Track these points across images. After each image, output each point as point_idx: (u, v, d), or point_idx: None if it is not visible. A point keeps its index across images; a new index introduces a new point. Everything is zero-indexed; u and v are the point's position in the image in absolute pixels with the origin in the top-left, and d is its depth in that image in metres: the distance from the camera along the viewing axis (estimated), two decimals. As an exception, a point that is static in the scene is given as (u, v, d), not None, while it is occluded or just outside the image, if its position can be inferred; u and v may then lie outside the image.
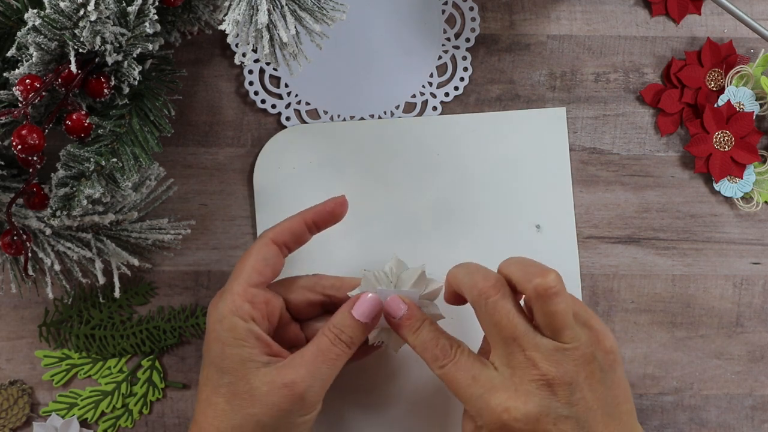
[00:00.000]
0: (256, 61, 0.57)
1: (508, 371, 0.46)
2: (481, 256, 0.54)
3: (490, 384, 0.46)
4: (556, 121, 0.57)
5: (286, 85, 0.57)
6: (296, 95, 0.57)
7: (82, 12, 0.45)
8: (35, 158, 0.46)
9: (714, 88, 0.57)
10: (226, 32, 0.46)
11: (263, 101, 0.57)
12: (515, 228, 0.57)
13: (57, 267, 0.51)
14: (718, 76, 0.57)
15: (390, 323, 0.51)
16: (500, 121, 0.57)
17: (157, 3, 0.48)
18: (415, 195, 0.57)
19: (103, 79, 0.48)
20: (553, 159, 0.57)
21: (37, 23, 0.45)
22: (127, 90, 0.49)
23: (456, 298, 0.51)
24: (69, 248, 0.51)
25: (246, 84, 0.57)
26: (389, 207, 0.57)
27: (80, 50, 0.46)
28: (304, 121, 0.57)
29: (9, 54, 0.47)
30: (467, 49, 0.58)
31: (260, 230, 0.56)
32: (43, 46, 0.46)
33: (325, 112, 0.57)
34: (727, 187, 0.57)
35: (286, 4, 0.46)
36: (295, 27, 0.46)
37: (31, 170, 0.47)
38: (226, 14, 0.47)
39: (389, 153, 0.57)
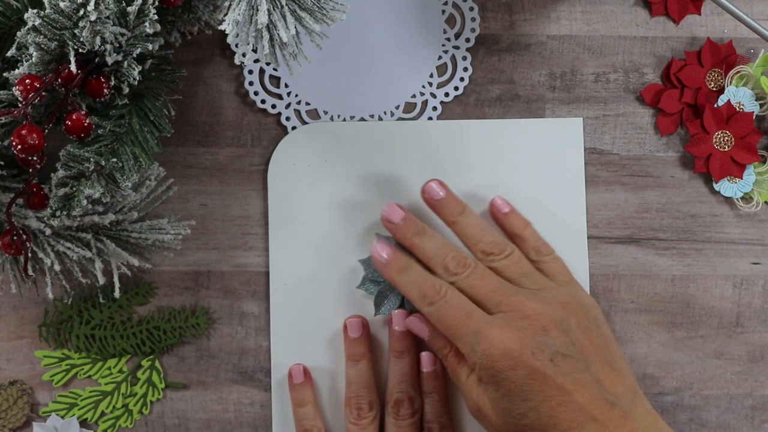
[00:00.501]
0: (256, 61, 0.57)
1: (500, 315, 0.47)
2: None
3: (485, 320, 0.46)
4: (573, 131, 0.57)
5: (286, 85, 0.57)
6: (296, 95, 0.57)
7: (82, 12, 0.45)
8: (35, 158, 0.46)
9: (714, 88, 0.57)
10: (226, 32, 0.46)
11: (263, 101, 0.57)
12: None
13: (57, 267, 0.51)
14: (718, 76, 0.57)
15: (377, 266, 0.52)
16: (516, 129, 0.57)
17: (157, 3, 0.48)
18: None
19: (103, 79, 0.48)
20: (567, 169, 0.57)
21: (37, 23, 0.45)
22: (127, 90, 0.49)
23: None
24: (69, 248, 0.51)
25: (246, 84, 0.57)
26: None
27: (80, 50, 0.46)
28: (304, 122, 0.57)
29: (9, 54, 0.47)
30: (467, 49, 0.58)
31: (273, 224, 0.56)
32: (43, 46, 0.46)
33: (325, 112, 0.57)
34: (727, 187, 0.57)
35: (286, 4, 0.46)
36: (295, 27, 0.46)
37: (31, 170, 0.47)
38: (226, 14, 0.47)
39: (405, 155, 0.57)
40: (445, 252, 0.51)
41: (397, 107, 0.57)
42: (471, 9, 0.57)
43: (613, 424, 0.44)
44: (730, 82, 0.57)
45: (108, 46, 0.46)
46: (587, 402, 0.44)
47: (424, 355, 0.54)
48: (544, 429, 0.45)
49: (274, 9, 0.46)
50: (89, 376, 0.57)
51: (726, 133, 0.57)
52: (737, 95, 0.57)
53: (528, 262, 0.51)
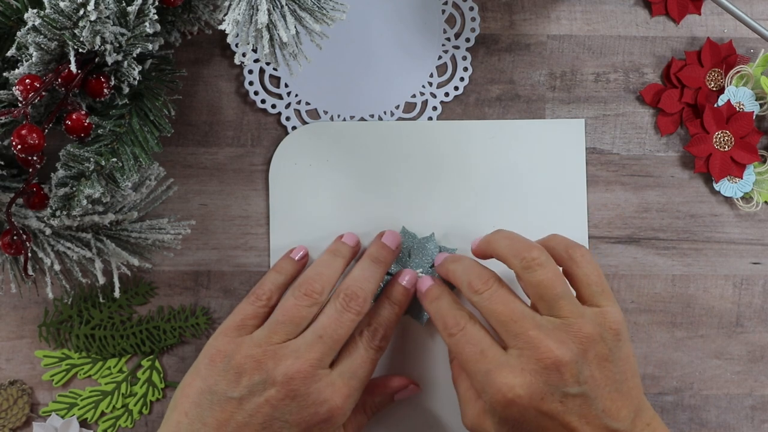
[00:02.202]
0: (256, 61, 0.57)
1: (516, 352, 0.46)
2: (490, 261, 0.55)
3: (497, 361, 0.46)
4: (574, 132, 0.57)
5: (286, 85, 0.57)
6: (296, 95, 0.57)
7: (82, 12, 0.45)
8: (35, 158, 0.46)
9: (714, 88, 0.57)
10: (226, 32, 0.46)
11: (263, 101, 0.57)
12: (526, 236, 0.56)
13: (57, 267, 0.51)
14: (718, 76, 0.57)
15: (418, 296, 0.54)
16: (518, 129, 0.57)
17: (157, 3, 0.48)
18: (428, 199, 0.57)
19: (103, 79, 0.48)
20: (569, 170, 0.57)
21: (37, 23, 0.45)
22: (127, 90, 0.49)
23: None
24: (69, 248, 0.51)
25: (246, 84, 0.57)
26: (402, 209, 0.57)
27: (80, 50, 0.46)
28: (304, 122, 0.57)
29: (9, 54, 0.47)
30: (467, 49, 0.58)
31: (273, 224, 0.56)
32: (43, 46, 0.46)
33: (325, 112, 0.57)
34: (727, 187, 0.57)
35: (286, 4, 0.46)
36: (295, 27, 0.46)
37: (31, 170, 0.47)
38: (226, 14, 0.47)
39: (405, 155, 0.57)
40: (471, 270, 0.50)
41: (397, 107, 0.57)
42: (471, 9, 0.57)
43: None
44: (730, 82, 0.57)
45: (108, 46, 0.46)
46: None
47: (408, 271, 0.55)
48: None
49: (274, 9, 0.46)
50: (89, 376, 0.57)
51: (726, 133, 0.57)
52: (737, 95, 0.57)
53: (563, 281, 0.48)
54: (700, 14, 0.58)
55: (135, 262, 0.53)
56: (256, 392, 0.47)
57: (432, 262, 0.55)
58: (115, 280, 0.53)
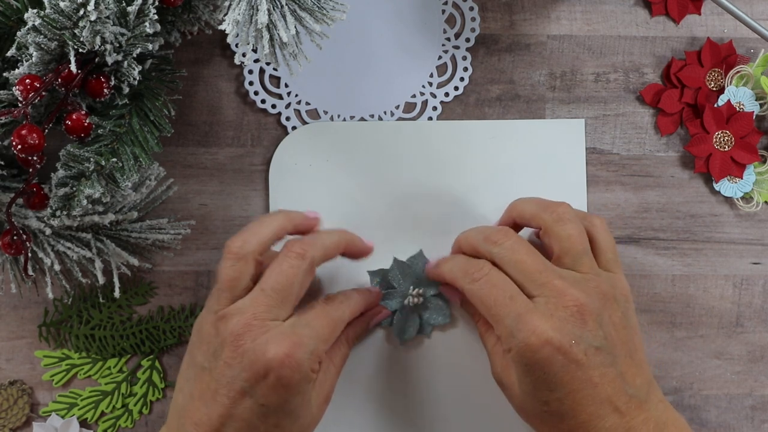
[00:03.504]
0: (256, 61, 0.57)
1: (542, 300, 0.46)
2: None
3: (527, 306, 0.46)
4: (574, 132, 0.57)
5: (286, 85, 0.57)
6: (296, 95, 0.57)
7: (82, 12, 0.45)
8: (35, 158, 0.46)
9: (714, 88, 0.57)
10: (226, 32, 0.46)
11: (263, 101, 0.57)
12: (526, 236, 0.56)
13: (57, 267, 0.51)
14: (718, 76, 0.57)
15: (429, 275, 0.54)
16: (518, 129, 0.57)
17: (157, 3, 0.48)
18: (427, 199, 0.57)
19: (103, 79, 0.48)
20: (569, 170, 0.57)
21: (37, 23, 0.45)
22: (127, 90, 0.49)
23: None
24: (69, 248, 0.51)
25: (246, 84, 0.57)
26: (401, 209, 0.57)
27: (80, 50, 0.46)
28: (304, 122, 0.57)
29: (9, 54, 0.47)
30: (467, 49, 0.58)
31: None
32: (43, 46, 0.46)
33: (325, 112, 0.57)
34: (727, 187, 0.57)
35: (286, 4, 0.46)
36: (295, 27, 0.46)
37: (31, 170, 0.47)
38: (226, 14, 0.47)
39: (405, 155, 0.57)
40: (483, 230, 0.51)
41: (397, 107, 0.57)
42: (471, 9, 0.57)
43: (630, 414, 0.45)
44: (730, 82, 0.57)
45: (108, 46, 0.46)
46: (611, 394, 0.45)
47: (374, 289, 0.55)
48: (563, 417, 0.45)
49: (274, 9, 0.46)
50: (89, 376, 0.57)
51: (726, 132, 0.57)
52: (737, 95, 0.57)
53: (587, 240, 0.49)
54: (700, 14, 0.58)
55: (135, 262, 0.53)
56: (217, 357, 0.46)
57: (436, 291, 0.55)
58: (115, 280, 0.53)
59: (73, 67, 0.46)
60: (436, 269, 0.53)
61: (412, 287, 0.55)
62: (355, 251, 0.53)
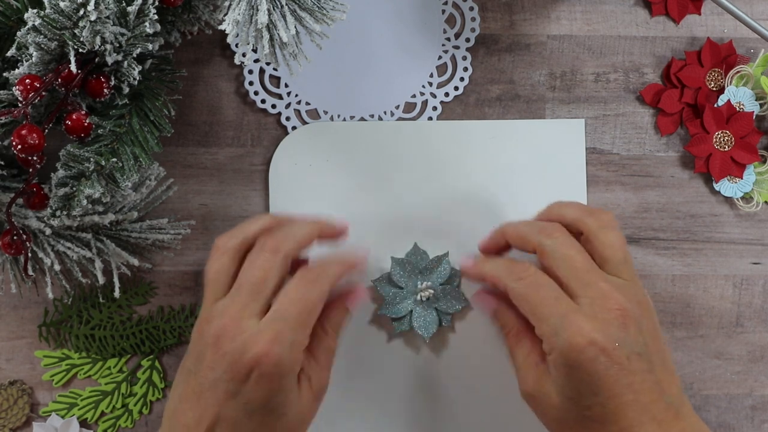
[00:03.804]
0: (256, 61, 0.57)
1: (587, 301, 0.46)
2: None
3: (572, 307, 0.46)
4: (575, 132, 0.57)
5: (286, 85, 0.57)
6: (296, 95, 0.57)
7: (82, 12, 0.45)
8: (35, 158, 0.46)
9: (714, 88, 0.57)
10: (226, 32, 0.46)
11: (263, 101, 0.57)
12: None
13: (57, 267, 0.51)
14: (718, 76, 0.57)
15: (465, 273, 0.54)
16: (518, 129, 0.57)
17: (157, 3, 0.48)
18: (428, 199, 0.57)
19: (103, 79, 0.48)
20: (569, 169, 0.57)
21: (37, 23, 0.45)
22: (127, 90, 0.49)
23: (500, 247, 0.52)
24: (69, 248, 0.51)
25: (246, 84, 0.57)
26: (402, 209, 0.57)
27: (80, 50, 0.46)
28: (304, 122, 0.57)
29: (9, 54, 0.47)
30: (467, 49, 0.58)
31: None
32: (43, 46, 0.46)
33: (325, 112, 0.57)
34: (727, 187, 0.57)
35: (286, 4, 0.46)
36: (295, 27, 0.46)
37: (31, 170, 0.47)
38: (226, 14, 0.47)
39: (405, 155, 0.57)
40: (533, 224, 0.51)
41: (397, 107, 0.57)
42: (471, 9, 0.57)
43: (667, 423, 0.45)
44: (730, 82, 0.57)
45: (108, 46, 0.46)
46: (650, 402, 0.45)
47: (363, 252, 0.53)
48: (604, 423, 0.45)
49: (274, 9, 0.46)
50: (89, 376, 0.57)
51: (726, 132, 0.57)
52: (737, 95, 0.57)
53: (626, 249, 0.49)
54: (700, 14, 0.58)
55: (135, 262, 0.53)
56: (201, 360, 0.46)
57: (443, 280, 0.55)
58: (115, 280, 0.53)
59: (73, 67, 0.46)
60: (475, 269, 0.52)
61: (419, 282, 0.55)
62: (330, 234, 0.52)
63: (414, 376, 0.56)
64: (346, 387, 0.56)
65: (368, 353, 0.56)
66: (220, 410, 0.45)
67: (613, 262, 0.48)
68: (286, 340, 0.45)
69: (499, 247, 0.53)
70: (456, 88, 0.57)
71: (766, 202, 0.58)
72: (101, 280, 0.52)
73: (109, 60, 0.47)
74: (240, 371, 0.45)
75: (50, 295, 0.53)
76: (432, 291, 0.55)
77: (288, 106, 0.57)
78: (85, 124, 0.48)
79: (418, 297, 0.55)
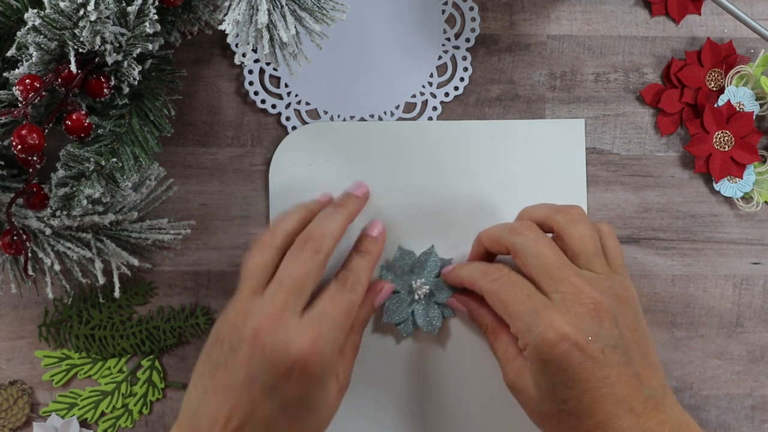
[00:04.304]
0: (256, 61, 0.57)
1: (559, 296, 0.47)
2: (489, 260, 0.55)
3: (544, 303, 0.46)
4: (575, 132, 0.57)
5: (286, 85, 0.57)
6: (296, 95, 0.57)
7: (82, 12, 0.45)
8: (35, 158, 0.46)
9: (714, 88, 0.57)
10: (226, 32, 0.46)
11: (263, 101, 0.57)
12: None
13: (57, 267, 0.51)
14: (718, 76, 0.57)
15: (446, 279, 0.55)
16: (518, 129, 0.57)
17: (157, 3, 0.48)
18: (427, 199, 0.57)
19: (103, 79, 0.48)
20: (569, 169, 0.57)
21: (37, 23, 0.45)
22: (127, 90, 0.49)
23: (483, 255, 0.53)
24: (69, 248, 0.51)
25: (246, 84, 0.57)
26: (401, 209, 0.57)
27: (80, 50, 0.46)
28: (304, 122, 0.57)
29: (9, 54, 0.47)
30: (467, 49, 0.58)
31: (272, 220, 0.56)
32: (43, 46, 0.46)
33: (325, 112, 0.57)
34: (727, 187, 0.57)
35: (286, 4, 0.46)
36: (295, 27, 0.46)
37: (31, 170, 0.47)
38: (226, 14, 0.47)
39: (405, 155, 0.57)
40: (505, 225, 0.51)
41: (397, 107, 0.57)
42: (471, 9, 0.57)
43: (646, 415, 0.45)
44: (730, 82, 0.57)
45: (108, 46, 0.46)
46: (627, 394, 0.45)
47: (378, 222, 0.55)
48: (581, 417, 0.45)
49: (274, 9, 0.46)
50: (89, 376, 0.57)
51: (726, 132, 0.57)
52: (737, 95, 0.57)
53: (598, 241, 0.50)
54: (700, 14, 0.58)
55: (135, 262, 0.53)
56: (235, 353, 0.46)
57: (435, 273, 0.56)
58: (115, 280, 0.53)
59: (73, 67, 0.46)
60: (452, 273, 0.54)
61: (413, 281, 0.55)
62: (358, 210, 0.54)
63: (401, 376, 0.56)
64: (357, 393, 0.56)
65: (377, 361, 0.56)
66: (254, 405, 0.45)
67: (585, 256, 0.48)
68: (329, 339, 0.46)
69: (480, 255, 0.54)
70: (456, 88, 0.57)
71: (766, 202, 0.58)
72: (101, 280, 0.52)
73: (109, 60, 0.47)
74: (281, 368, 0.45)
75: (50, 295, 0.53)
76: (427, 287, 0.55)
77: (288, 106, 0.57)
78: (85, 124, 0.48)
79: (416, 296, 0.55)
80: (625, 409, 0.45)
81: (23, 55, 0.47)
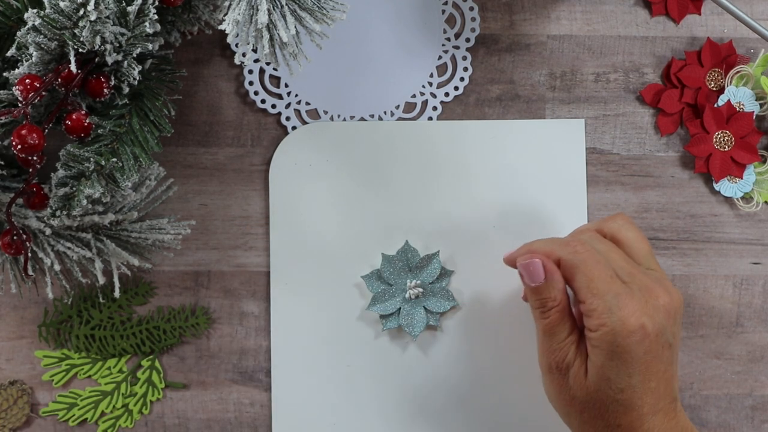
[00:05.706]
0: (256, 61, 0.57)
1: (635, 287, 0.47)
2: (489, 260, 0.56)
3: (625, 288, 0.47)
4: (575, 132, 0.57)
5: (286, 85, 0.57)
6: (296, 95, 0.57)
7: (82, 12, 0.45)
8: (35, 158, 0.46)
9: (714, 88, 0.57)
10: (226, 32, 0.46)
11: (263, 101, 0.57)
12: (526, 236, 0.56)
13: (57, 267, 0.51)
14: (718, 76, 0.57)
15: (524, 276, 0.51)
16: (518, 129, 0.57)
17: (157, 3, 0.48)
18: (427, 199, 0.57)
19: (103, 79, 0.48)
20: (569, 169, 0.57)
21: (37, 23, 0.45)
22: (127, 90, 0.49)
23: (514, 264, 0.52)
24: (69, 248, 0.51)
25: (246, 84, 0.57)
26: (402, 209, 0.57)
27: (80, 50, 0.46)
28: (304, 122, 0.57)
29: (9, 54, 0.47)
30: (467, 49, 0.58)
31: (273, 224, 0.56)
32: (43, 45, 0.46)
33: (325, 112, 0.57)
34: (727, 187, 0.57)
35: (286, 4, 0.46)
36: (295, 27, 0.46)
37: (31, 170, 0.47)
38: (226, 14, 0.47)
39: (405, 155, 0.57)
40: (576, 231, 0.52)
41: (397, 107, 0.57)
42: (471, 9, 0.57)
43: (668, 416, 0.47)
44: (730, 82, 0.57)
45: (108, 46, 0.46)
46: (664, 393, 0.47)
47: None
48: (629, 408, 0.46)
49: (274, 9, 0.46)
50: (89, 376, 0.57)
51: (726, 132, 0.57)
52: (737, 95, 0.57)
53: (649, 243, 0.51)
54: (700, 14, 0.58)
55: (135, 262, 0.53)
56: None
57: (434, 278, 0.55)
58: (115, 280, 0.53)
59: (73, 67, 0.46)
60: (521, 249, 0.50)
61: (408, 280, 0.55)
62: None
63: (400, 375, 0.56)
64: (329, 382, 0.56)
65: (355, 350, 0.56)
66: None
67: (643, 256, 0.50)
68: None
69: (513, 263, 0.52)
70: (456, 88, 0.57)
71: (766, 202, 0.58)
72: (101, 280, 0.52)
73: (109, 60, 0.47)
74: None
75: (50, 295, 0.53)
76: (421, 289, 0.55)
77: (288, 106, 0.57)
78: (85, 124, 0.48)
79: (407, 295, 0.55)
80: (660, 406, 0.46)
81: (23, 55, 0.47)
